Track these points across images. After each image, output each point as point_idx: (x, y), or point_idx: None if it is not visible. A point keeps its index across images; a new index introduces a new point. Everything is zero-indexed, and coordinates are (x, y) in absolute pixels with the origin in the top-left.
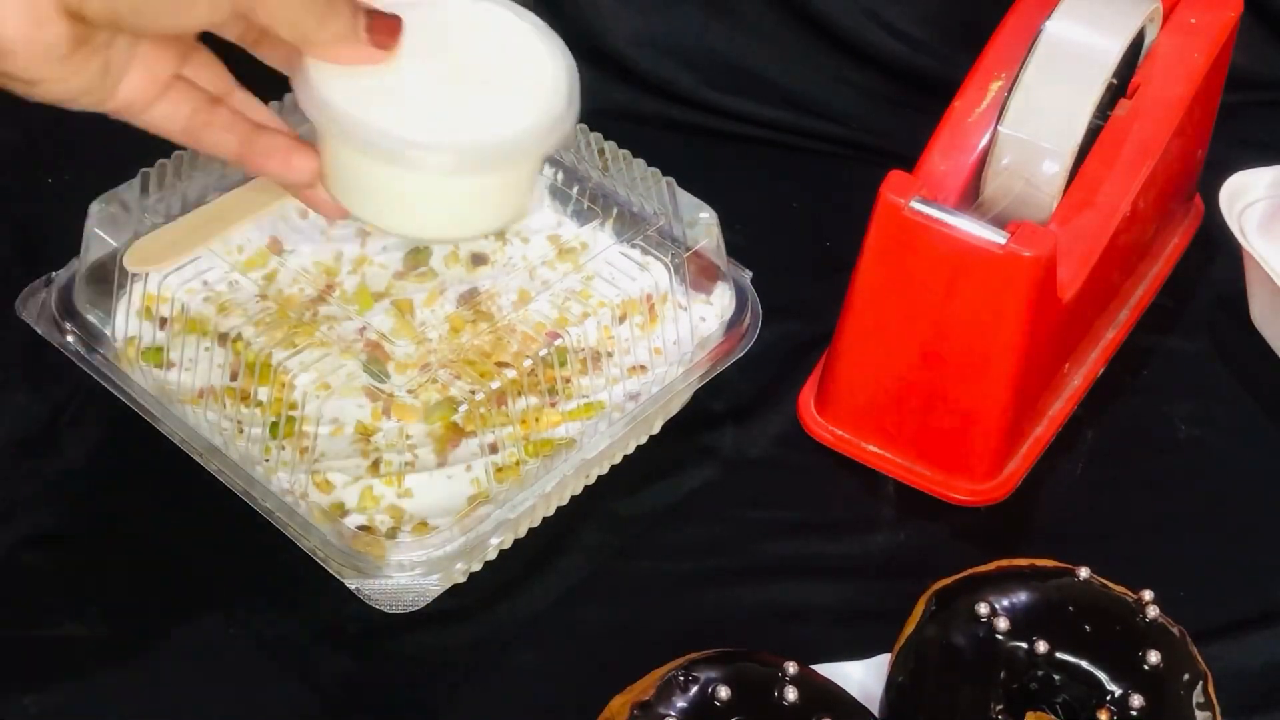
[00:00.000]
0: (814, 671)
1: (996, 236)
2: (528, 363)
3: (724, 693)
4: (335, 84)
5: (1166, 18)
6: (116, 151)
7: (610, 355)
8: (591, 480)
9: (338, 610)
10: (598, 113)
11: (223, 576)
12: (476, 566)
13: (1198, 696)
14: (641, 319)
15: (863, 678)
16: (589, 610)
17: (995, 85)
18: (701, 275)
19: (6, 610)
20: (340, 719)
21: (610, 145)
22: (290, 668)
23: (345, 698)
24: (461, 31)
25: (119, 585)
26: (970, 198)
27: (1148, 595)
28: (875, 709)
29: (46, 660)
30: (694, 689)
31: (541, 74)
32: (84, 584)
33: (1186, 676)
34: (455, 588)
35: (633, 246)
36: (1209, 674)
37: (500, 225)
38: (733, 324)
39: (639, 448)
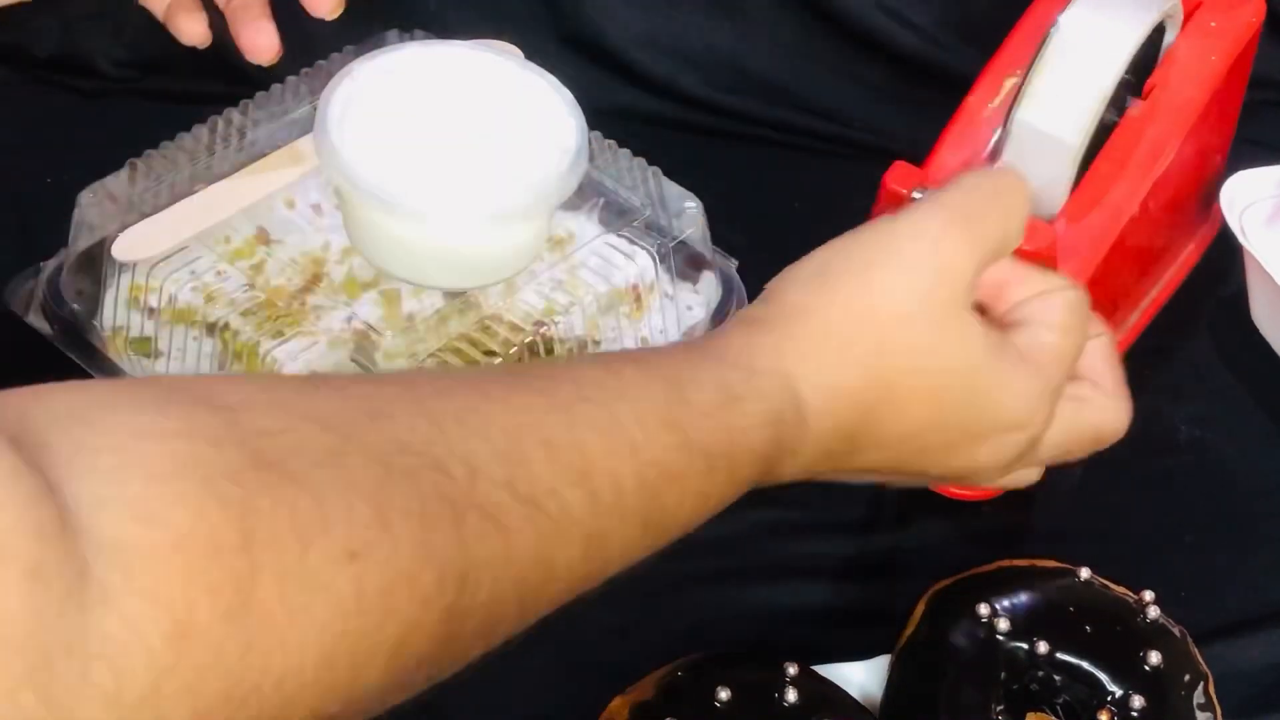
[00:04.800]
0: (814, 672)
1: None
2: (514, 352)
3: (724, 694)
4: (358, 149)
5: (1186, 20)
6: (106, 144)
7: (597, 344)
8: None
9: None
10: (598, 112)
11: None
12: None
13: (1199, 697)
14: (628, 308)
15: (863, 679)
16: (589, 610)
17: (1010, 82)
18: (688, 265)
19: None
20: None
21: (596, 135)
22: None
23: None
24: (474, 88)
25: None
26: None
27: (1148, 596)
28: (876, 710)
29: None
30: (694, 690)
31: (553, 130)
32: None
33: (1187, 677)
34: None
35: (619, 236)
36: (1210, 675)
37: (519, 269)
38: (719, 313)
39: None
